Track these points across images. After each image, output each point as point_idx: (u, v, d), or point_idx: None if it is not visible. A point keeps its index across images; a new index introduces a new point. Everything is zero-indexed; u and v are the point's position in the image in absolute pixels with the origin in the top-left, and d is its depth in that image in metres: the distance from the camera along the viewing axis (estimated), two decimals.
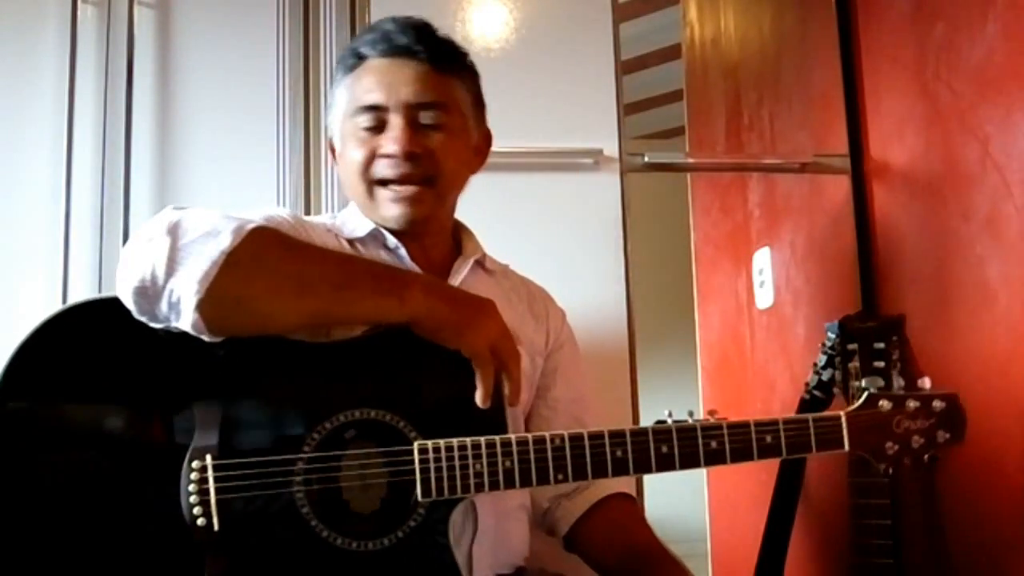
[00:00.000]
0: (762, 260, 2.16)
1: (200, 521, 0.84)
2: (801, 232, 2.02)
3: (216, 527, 0.84)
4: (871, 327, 1.46)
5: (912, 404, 1.05)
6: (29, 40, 1.64)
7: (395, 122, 1.07)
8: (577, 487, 1.19)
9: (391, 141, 1.06)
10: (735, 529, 2.31)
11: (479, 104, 1.17)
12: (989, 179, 1.46)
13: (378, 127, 1.08)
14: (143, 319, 0.85)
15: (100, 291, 1.58)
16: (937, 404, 1.06)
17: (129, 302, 0.84)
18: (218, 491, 0.85)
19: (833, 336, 1.51)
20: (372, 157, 1.08)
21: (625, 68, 1.80)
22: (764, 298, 2.15)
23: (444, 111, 1.09)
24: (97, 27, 1.67)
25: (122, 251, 0.86)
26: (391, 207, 1.08)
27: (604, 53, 1.76)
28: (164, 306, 0.83)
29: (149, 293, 0.83)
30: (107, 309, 0.86)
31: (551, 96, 1.73)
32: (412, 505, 0.91)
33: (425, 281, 0.95)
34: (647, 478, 1.67)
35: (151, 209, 1.63)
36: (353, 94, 1.10)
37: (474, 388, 0.92)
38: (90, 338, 0.88)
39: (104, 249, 1.60)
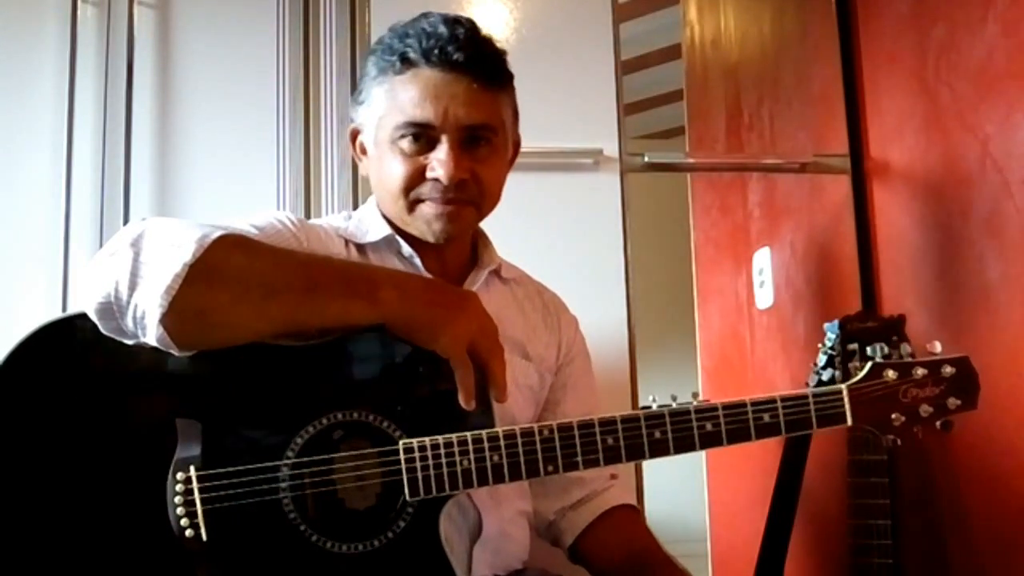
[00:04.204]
0: (762, 260, 2.16)
1: (188, 532, 0.84)
2: (801, 232, 2.02)
3: (204, 537, 0.84)
4: (871, 327, 1.46)
5: (920, 371, 0.98)
6: (29, 40, 1.64)
7: (445, 145, 1.02)
8: (582, 499, 1.19)
9: (440, 166, 1.02)
10: (735, 529, 2.31)
11: (516, 114, 1.14)
12: (989, 179, 1.46)
13: (425, 143, 1.03)
14: (112, 336, 0.84)
15: None
16: (947, 370, 0.98)
17: (95, 319, 0.83)
18: (204, 501, 0.84)
19: (833, 336, 1.51)
20: (417, 176, 1.04)
21: (625, 68, 1.80)
22: (764, 298, 2.15)
23: (492, 132, 1.06)
24: (97, 27, 1.67)
25: (86, 266, 0.84)
26: (433, 222, 1.05)
27: (604, 53, 1.76)
28: (130, 322, 0.81)
29: (114, 309, 0.81)
30: (81, 326, 0.85)
31: (551, 96, 1.73)
32: (401, 505, 0.90)
33: (398, 280, 0.92)
34: (647, 480, 1.67)
35: (151, 209, 1.63)
36: (398, 102, 1.04)
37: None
38: (66, 357, 0.87)
39: None
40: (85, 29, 1.66)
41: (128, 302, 0.80)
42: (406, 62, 1.03)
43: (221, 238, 0.82)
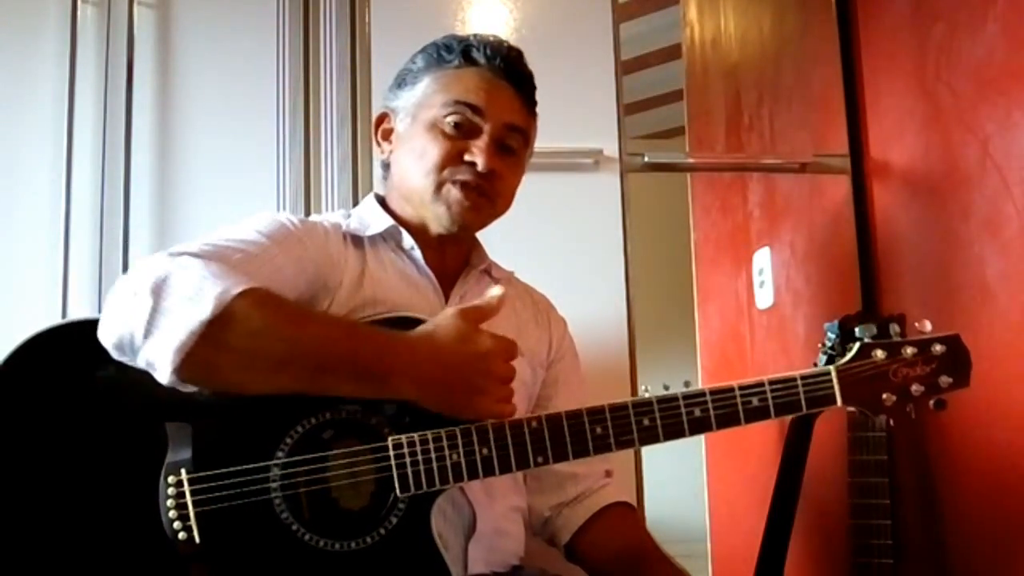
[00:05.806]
0: (762, 260, 2.16)
1: (181, 535, 0.85)
2: (801, 232, 2.02)
3: (198, 539, 0.85)
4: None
5: (910, 351, 0.97)
6: (29, 40, 1.64)
7: (487, 136, 1.09)
8: (577, 496, 1.19)
9: (480, 152, 1.08)
10: (735, 529, 2.31)
11: (531, 154, 1.22)
12: (989, 179, 1.46)
13: (468, 131, 1.10)
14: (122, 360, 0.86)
15: (100, 294, 1.58)
16: (938, 348, 0.97)
17: (109, 348, 0.85)
18: (196, 504, 0.85)
19: (833, 336, 1.51)
20: (454, 157, 1.09)
21: (625, 68, 1.80)
22: (764, 298, 2.15)
23: (522, 144, 1.15)
24: (97, 27, 1.67)
25: (109, 295, 0.86)
26: (453, 205, 1.09)
27: (604, 53, 1.76)
28: (142, 363, 0.84)
29: (126, 350, 0.84)
30: (74, 334, 0.87)
31: (551, 96, 1.70)
32: (392, 501, 0.90)
33: (410, 362, 0.89)
34: (647, 480, 1.67)
35: (151, 210, 1.63)
36: (451, 86, 1.11)
37: None
38: (59, 363, 0.88)
39: (104, 251, 1.60)
40: (85, 29, 1.66)
41: (141, 348, 0.82)
42: (468, 59, 1.13)
43: (241, 295, 0.83)
